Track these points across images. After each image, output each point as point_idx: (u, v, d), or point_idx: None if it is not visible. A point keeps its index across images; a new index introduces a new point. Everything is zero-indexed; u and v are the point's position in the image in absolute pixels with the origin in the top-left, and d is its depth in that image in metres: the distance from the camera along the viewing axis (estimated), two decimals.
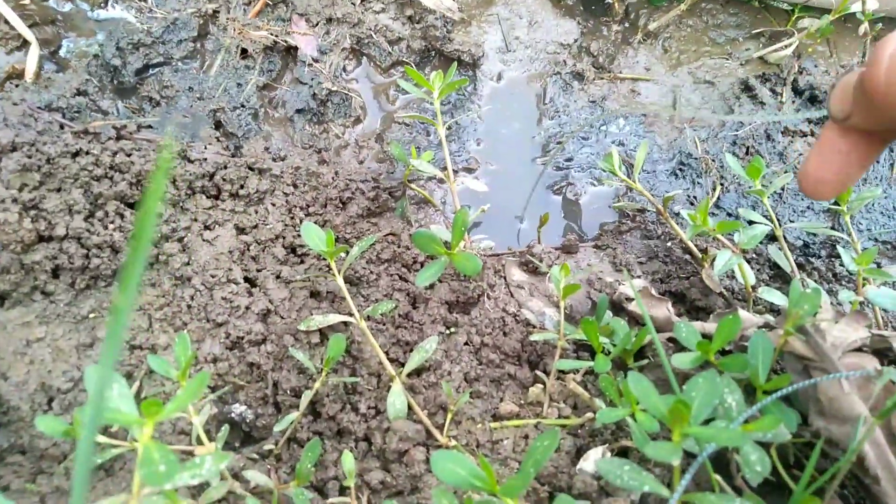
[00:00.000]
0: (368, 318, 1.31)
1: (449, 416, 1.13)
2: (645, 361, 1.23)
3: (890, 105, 0.66)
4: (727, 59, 2.06)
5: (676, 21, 2.09)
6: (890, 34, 0.67)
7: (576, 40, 1.98)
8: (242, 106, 1.71)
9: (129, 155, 1.40)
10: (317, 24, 1.82)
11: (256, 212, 1.44)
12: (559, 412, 1.19)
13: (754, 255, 1.68)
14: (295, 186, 1.53)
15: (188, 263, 1.31)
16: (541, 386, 1.23)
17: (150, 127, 1.60)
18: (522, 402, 1.23)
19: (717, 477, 0.89)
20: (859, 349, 1.08)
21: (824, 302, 1.18)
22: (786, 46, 2.03)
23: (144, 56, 1.70)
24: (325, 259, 1.35)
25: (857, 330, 1.11)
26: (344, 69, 1.83)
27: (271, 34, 1.77)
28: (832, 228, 1.80)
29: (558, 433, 0.82)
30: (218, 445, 0.99)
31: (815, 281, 1.69)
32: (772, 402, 0.95)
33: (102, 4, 1.83)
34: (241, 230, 1.40)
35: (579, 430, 1.14)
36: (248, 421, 1.16)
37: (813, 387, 0.99)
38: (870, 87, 0.67)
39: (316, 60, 1.79)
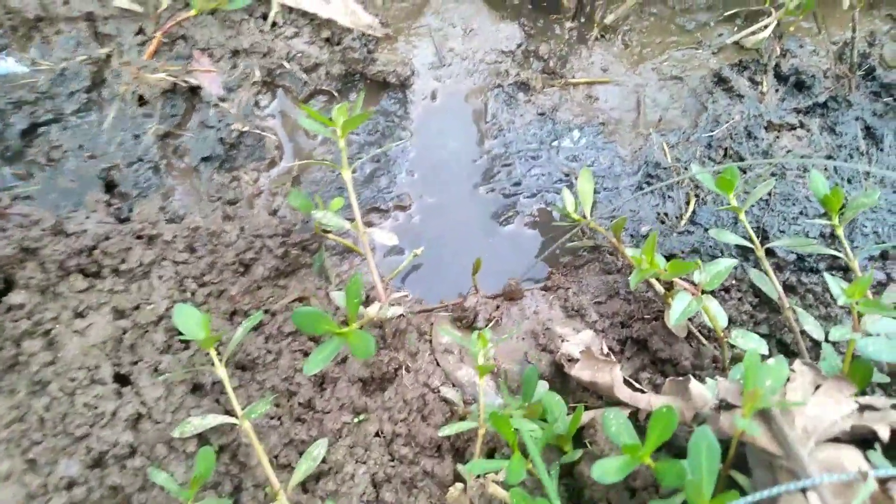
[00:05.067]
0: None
1: None
2: (580, 452, 1.01)
3: None
4: (697, 49, 1.80)
5: (637, 10, 1.84)
6: None
7: (520, 45, 1.75)
8: (140, 160, 1.52)
9: None
10: (221, 59, 1.62)
11: (139, 289, 1.25)
12: None
13: (734, 281, 1.44)
14: (191, 251, 1.34)
15: (52, 363, 1.13)
16: (461, 486, 1.02)
17: (28, 197, 1.43)
18: None
19: None
20: (840, 435, 0.85)
21: (799, 366, 0.94)
22: (764, 27, 1.76)
23: (30, 114, 1.53)
24: None
25: (838, 403, 0.87)
26: (256, 105, 1.64)
27: (170, 75, 1.58)
28: (830, 238, 1.55)
29: None
30: None
31: (809, 306, 1.43)
32: None
33: None
34: (119, 313, 1.22)
35: None
36: None
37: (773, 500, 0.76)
38: None
39: (223, 99, 1.60)
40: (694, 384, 0.97)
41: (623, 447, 0.82)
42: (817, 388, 0.93)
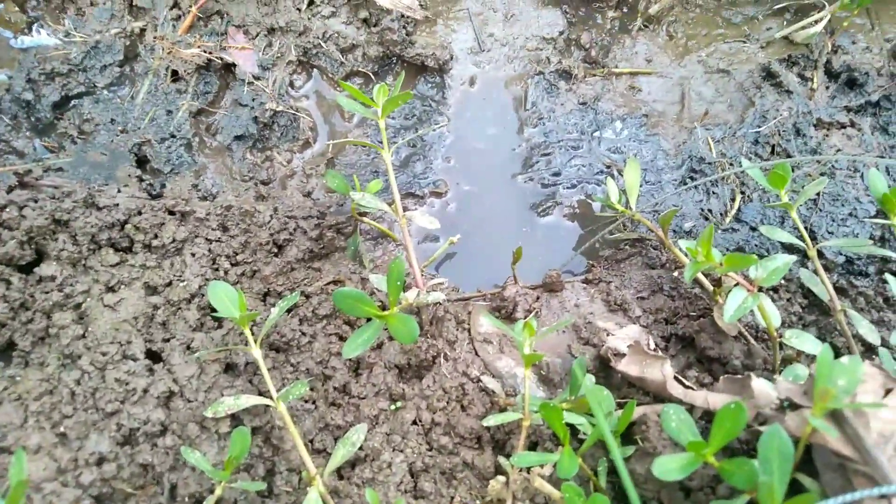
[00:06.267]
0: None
1: None
2: (632, 449, 0.96)
3: None
4: (745, 42, 1.75)
5: (683, 1, 1.79)
6: None
7: (561, 32, 1.70)
8: (172, 136, 1.49)
9: (21, 208, 1.20)
10: (256, 36, 1.59)
11: (172, 265, 1.22)
12: None
13: (782, 282, 1.38)
14: (224, 230, 1.31)
15: (83, 336, 1.10)
16: (503, 479, 0.98)
17: (60, 170, 1.40)
18: (479, 501, 0.98)
19: None
20: None
21: (869, 368, 0.89)
22: (815, 22, 1.70)
23: (62, 87, 1.50)
24: None
25: None
26: (291, 85, 1.60)
27: (205, 51, 1.55)
28: (880, 241, 1.49)
29: None
30: None
31: (861, 310, 1.37)
32: None
33: (26, 30, 1.64)
34: (151, 289, 1.19)
35: None
36: None
37: None
38: None
39: (257, 78, 1.57)
40: (757, 381, 0.92)
41: (688, 445, 0.77)
42: (887, 392, 0.88)
